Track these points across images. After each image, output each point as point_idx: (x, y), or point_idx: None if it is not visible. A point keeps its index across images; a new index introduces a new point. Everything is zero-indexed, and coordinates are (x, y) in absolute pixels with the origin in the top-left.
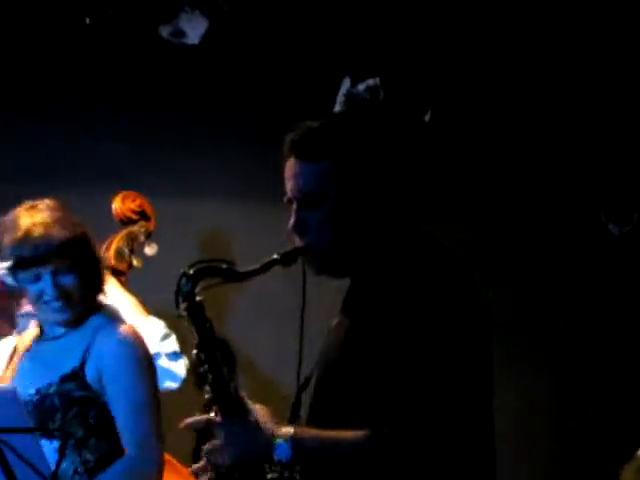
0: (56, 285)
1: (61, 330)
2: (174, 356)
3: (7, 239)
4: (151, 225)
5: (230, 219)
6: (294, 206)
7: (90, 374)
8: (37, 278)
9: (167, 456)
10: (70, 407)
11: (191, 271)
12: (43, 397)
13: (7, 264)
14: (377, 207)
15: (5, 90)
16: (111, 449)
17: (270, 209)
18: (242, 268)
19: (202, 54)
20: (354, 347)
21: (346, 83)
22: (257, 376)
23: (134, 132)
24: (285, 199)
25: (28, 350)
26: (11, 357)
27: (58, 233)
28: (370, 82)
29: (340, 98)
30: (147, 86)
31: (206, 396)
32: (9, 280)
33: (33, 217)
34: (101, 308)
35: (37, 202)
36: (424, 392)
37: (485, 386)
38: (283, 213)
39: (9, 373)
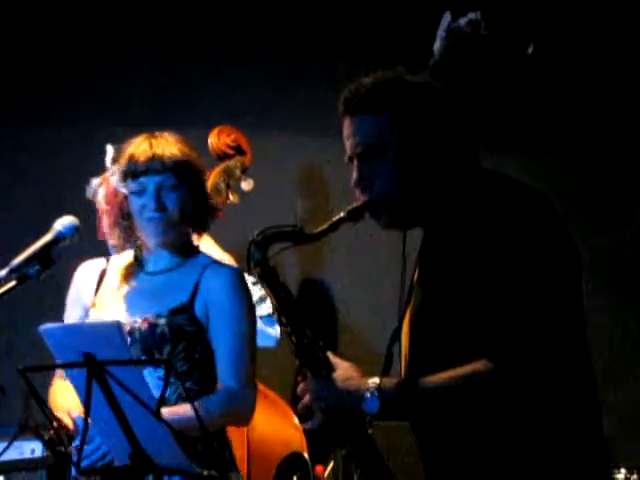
0: (158, 198)
1: (166, 264)
2: (268, 319)
3: (124, 154)
4: (247, 160)
5: (327, 155)
6: (355, 163)
7: (198, 308)
8: (142, 190)
9: (265, 389)
10: (180, 341)
11: (259, 237)
12: (152, 326)
13: (120, 170)
14: (439, 151)
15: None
16: (211, 382)
17: None
18: (315, 227)
19: None
20: (447, 295)
21: (447, 18)
22: (354, 330)
23: (231, 72)
24: (345, 159)
25: (126, 278)
26: (100, 279)
27: (170, 153)
28: (471, 16)
29: (441, 33)
30: (245, 26)
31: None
32: (120, 189)
33: (151, 139)
34: (202, 252)
35: (161, 132)
36: (526, 325)
37: (580, 316)
38: None
39: (99, 298)
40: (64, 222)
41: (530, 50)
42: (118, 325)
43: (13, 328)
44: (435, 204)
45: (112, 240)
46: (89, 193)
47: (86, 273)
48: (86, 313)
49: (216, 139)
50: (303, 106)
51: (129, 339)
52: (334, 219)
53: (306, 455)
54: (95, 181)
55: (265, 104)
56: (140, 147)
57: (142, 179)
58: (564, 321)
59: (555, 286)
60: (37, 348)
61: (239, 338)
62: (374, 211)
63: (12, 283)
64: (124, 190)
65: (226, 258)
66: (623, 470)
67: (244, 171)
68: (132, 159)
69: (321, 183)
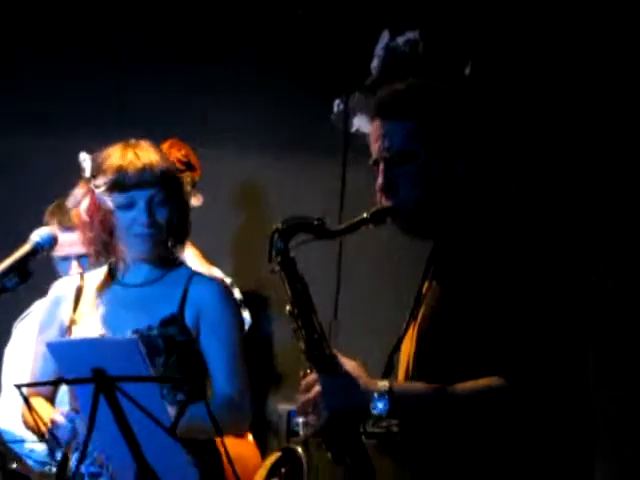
0: (150, 213)
1: (146, 276)
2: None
3: (110, 164)
4: (197, 175)
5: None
6: (381, 166)
7: (189, 318)
8: (132, 204)
9: None
10: (172, 352)
11: (284, 227)
12: (145, 339)
13: (107, 183)
14: (465, 166)
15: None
16: (200, 395)
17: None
18: (331, 226)
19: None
20: (461, 309)
21: (385, 36)
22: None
23: (166, 83)
24: (371, 161)
25: (104, 293)
26: (77, 298)
27: (160, 165)
28: (409, 35)
29: (379, 51)
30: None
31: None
32: (106, 202)
33: (136, 149)
34: (184, 263)
35: (137, 140)
36: (537, 343)
37: (585, 337)
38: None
39: (79, 315)
40: (41, 233)
41: (467, 70)
42: (137, 341)
43: None
44: (454, 218)
45: (88, 253)
46: (71, 203)
47: (61, 291)
48: (63, 332)
49: (167, 153)
50: (242, 122)
51: None
52: (356, 219)
53: (300, 450)
54: (79, 191)
55: (205, 118)
56: (127, 158)
57: (132, 192)
58: (574, 343)
59: (566, 307)
60: None
61: (232, 347)
62: (396, 217)
63: None
64: (109, 203)
65: (214, 271)
66: None
67: (193, 186)
68: (121, 171)
69: (259, 200)
